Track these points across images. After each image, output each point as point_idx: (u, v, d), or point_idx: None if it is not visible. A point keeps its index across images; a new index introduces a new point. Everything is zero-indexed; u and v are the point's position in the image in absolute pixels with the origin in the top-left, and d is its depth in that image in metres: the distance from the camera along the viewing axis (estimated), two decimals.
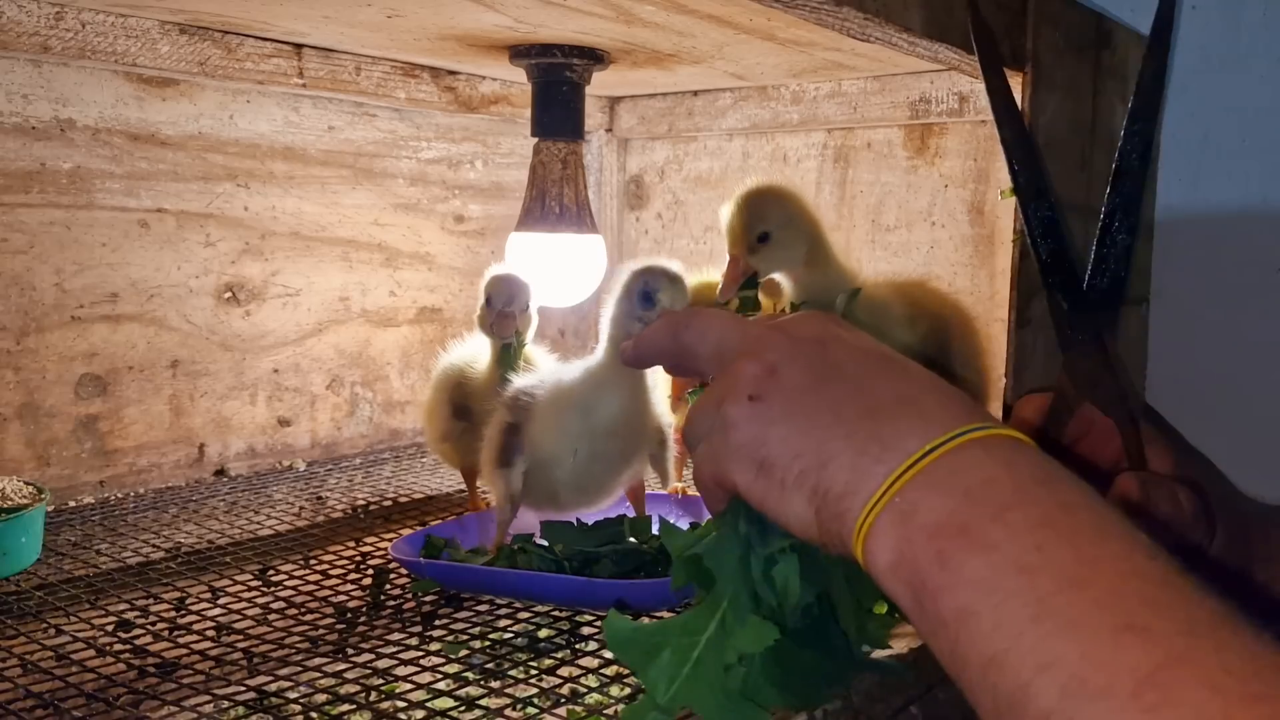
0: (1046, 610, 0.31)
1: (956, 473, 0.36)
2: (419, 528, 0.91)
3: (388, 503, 1.04)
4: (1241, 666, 0.28)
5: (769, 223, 0.90)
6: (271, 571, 0.83)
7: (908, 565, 0.36)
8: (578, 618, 0.72)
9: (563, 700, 0.59)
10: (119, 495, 1.04)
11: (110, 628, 0.70)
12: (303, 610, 0.74)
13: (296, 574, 0.82)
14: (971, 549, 0.34)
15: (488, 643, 0.68)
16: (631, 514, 0.84)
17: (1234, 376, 1.09)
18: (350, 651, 0.67)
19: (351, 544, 0.90)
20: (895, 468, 0.37)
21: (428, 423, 1.01)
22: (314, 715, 0.58)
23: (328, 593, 0.78)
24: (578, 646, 0.68)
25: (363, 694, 0.60)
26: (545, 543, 0.79)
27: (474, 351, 0.98)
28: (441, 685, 0.61)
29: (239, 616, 0.73)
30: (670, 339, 0.50)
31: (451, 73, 1.23)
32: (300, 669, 0.64)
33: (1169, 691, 0.28)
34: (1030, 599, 0.32)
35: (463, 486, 1.03)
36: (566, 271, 1.10)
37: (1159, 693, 0.28)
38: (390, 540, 0.86)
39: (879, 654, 0.51)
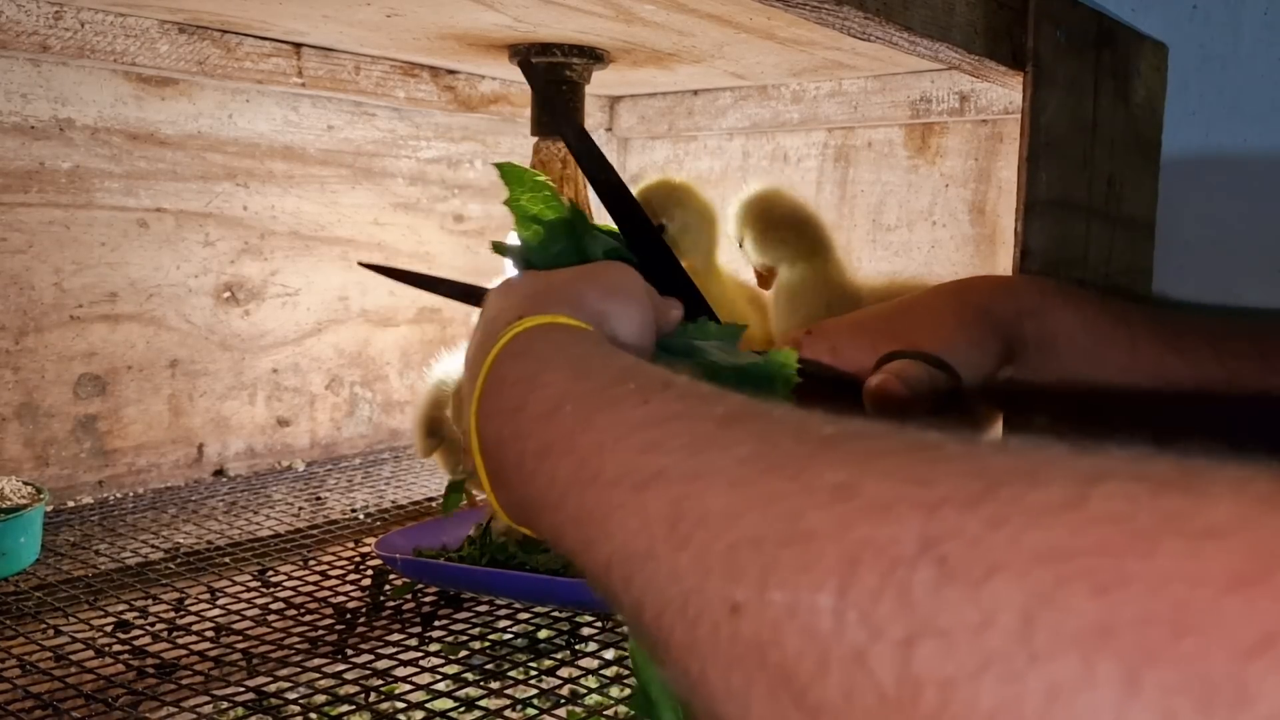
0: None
1: None
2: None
3: (387, 503, 1.04)
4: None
5: None
6: (271, 572, 0.82)
7: None
8: (578, 618, 0.72)
9: (563, 701, 0.59)
10: (118, 495, 1.04)
11: (109, 628, 0.70)
12: (302, 611, 0.74)
13: (296, 574, 0.82)
14: None
15: (487, 643, 0.68)
16: None
17: None
18: (350, 652, 0.67)
19: (351, 544, 0.90)
20: None
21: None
22: (313, 716, 0.57)
23: (327, 593, 0.78)
24: (578, 647, 0.68)
25: (362, 694, 0.60)
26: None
27: (455, 365, 0.97)
28: (441, 686, 0.61)
29: (238, 617, 0.73)
30: None
31: (451, 72, 1.22)
32: (299, 669, 0.64)
33: None
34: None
35: None
36: None
37: None
38: None
39: None
